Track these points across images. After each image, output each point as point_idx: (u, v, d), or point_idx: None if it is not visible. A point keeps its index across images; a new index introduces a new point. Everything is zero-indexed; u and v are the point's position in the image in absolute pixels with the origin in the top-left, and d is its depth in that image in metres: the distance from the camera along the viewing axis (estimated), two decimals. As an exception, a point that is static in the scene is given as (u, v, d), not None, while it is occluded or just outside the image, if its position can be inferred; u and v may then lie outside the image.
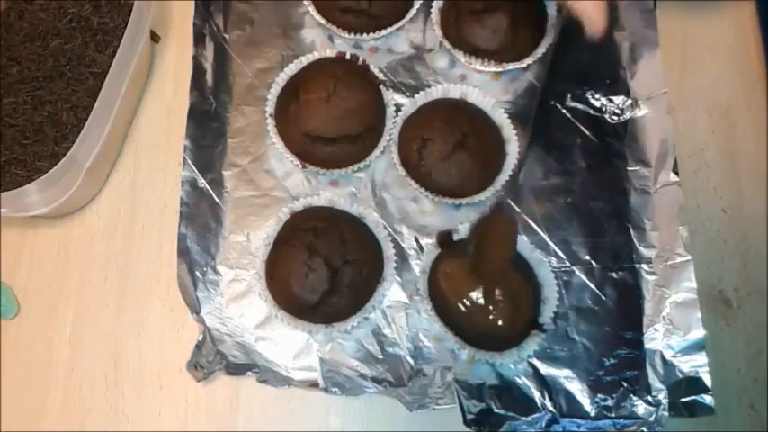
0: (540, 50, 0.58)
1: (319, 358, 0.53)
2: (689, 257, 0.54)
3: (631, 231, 0.55)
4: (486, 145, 0.56)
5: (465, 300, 0.51)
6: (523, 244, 0.54)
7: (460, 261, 0.52)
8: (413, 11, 0.60)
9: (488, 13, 0.58)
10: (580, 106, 0.59)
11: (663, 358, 0.52)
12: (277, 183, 0.58)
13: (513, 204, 0.56)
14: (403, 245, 0.56)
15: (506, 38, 0.58)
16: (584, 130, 0.58)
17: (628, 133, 0.58)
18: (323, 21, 0.59)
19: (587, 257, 0.55)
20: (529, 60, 0.58)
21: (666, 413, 0.50)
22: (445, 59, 0.61)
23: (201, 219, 0.56)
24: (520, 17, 0.58)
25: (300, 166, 0.56)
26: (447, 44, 0.59)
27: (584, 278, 0.54)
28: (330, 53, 0.59)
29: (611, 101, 0.59)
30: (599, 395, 0.51)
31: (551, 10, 0.59)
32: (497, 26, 0.58)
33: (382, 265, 0.54)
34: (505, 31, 0.58)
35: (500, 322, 0.50)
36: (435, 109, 0.57)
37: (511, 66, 0.58)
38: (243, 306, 0.55)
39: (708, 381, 0.51)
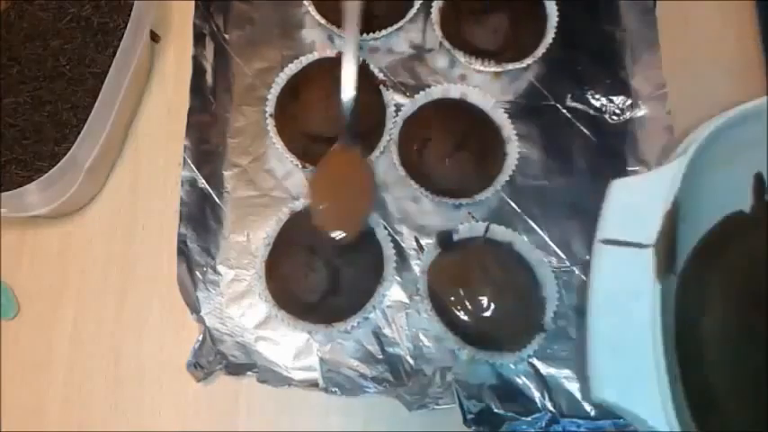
0: (540, 50, 0.58)
1: (319, 358, 0.53)
2: (689, 257, 0.54)
3: (631, 231, 0.55)
4: (486, 145, 0.56)
5: (463, 299, 0.51)
6: (523, 244, 0.54)
7: (459, 261, 0.52)
8: (413, 11, 0.60)
9: (488, 13, 0.58)
10: (580, 106, 0.59)
11: (663, 358, 0.52)
12: (277, 183, 0.58)
13: (513, 204, 0.56)
14: (403, 245, 0.56)
15: (506, 38, 0.58)
16: (584, 130, 0.58)
17: (628, 133, 0.58)
18: (323, 21, 0.59)
19: (587, 257, 0.55)
20: (529, 60, 0.58)
21: (666, 413, 0.50)
22: (445, 59, 0.61)
23: (201, 219, 0.56)
24: (520, 17, 0.58)
25: (300, 166, 0.56)
26: (447, 44, 0.59)
27: (585, 278, 0.54)
28: (330, 53, 0.59)
29: (611, 101, 0.59)
30: (599, 395, 0.51)
31: (551, 10, 0.59)
32: (497, 26, 0.58)
33: (382, 265, 0.54)
34: (505, 31, 0.58)
35: (498, 321, 0.50)
36: (435, 109, 0.57)
37: (511, 66, 0.58)
38: (243, 306, 0.55)
39: (708, 381, 0.51)
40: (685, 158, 0.40)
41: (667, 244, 0.39)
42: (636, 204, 0.40)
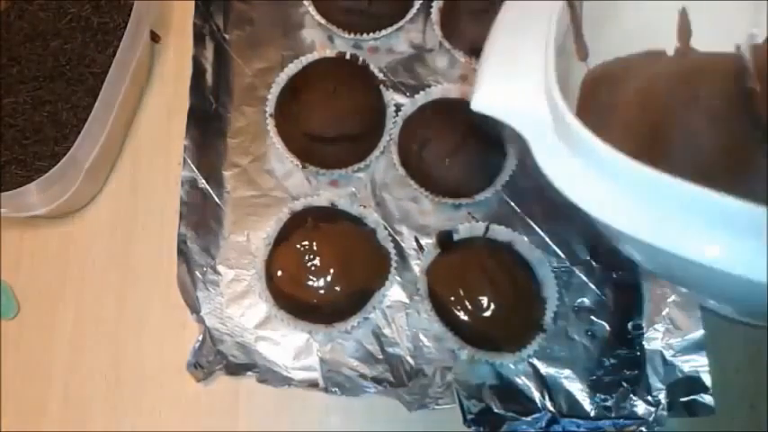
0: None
1: (319, 358, 0.53)
2: (689, 257, 0.54)
3: (631, 231, 0.55)
4: (486, 145, 0.56)
5: (463, 299, 0.51)
6: (523, 243, 0.54)
7: (459, 261, 0.52)
8: (413, 11, 0.60)
9: (488, 13, 0.57)
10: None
11: (663, 358, 0.52)
12: (277, 183, 0.58)
13: (513, 204, 0.56)
14: (403, 245, 0.56)
15: None
16: (584, 130, 0.58)
17: (628, 133, 0.58)
18: (323, 21, 0.59)
19: (587, 257, 0.55)
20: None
21: (666, 413, 0.50)
22: (445, 59, 0.60)
23: (201, 219, 0.56)
24: None
25: (300, 166, 0.56)
26: (447, 44, 0.59)
27: (584, 278, 0.54)
28: (330, 53, 0.59)
29: (611, 101, 0.59)
30: (599, 395, 0.51)
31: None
32: None
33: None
34: None
35: (498, 321, 0.50)
36: (435, 109, 0.57)
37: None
38: (243, 306, 0.55)
39: (708, 380, 0.51)
40: None
41: None
42: None
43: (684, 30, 0.45)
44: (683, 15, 0.45)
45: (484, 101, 0.37)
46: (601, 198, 0.32)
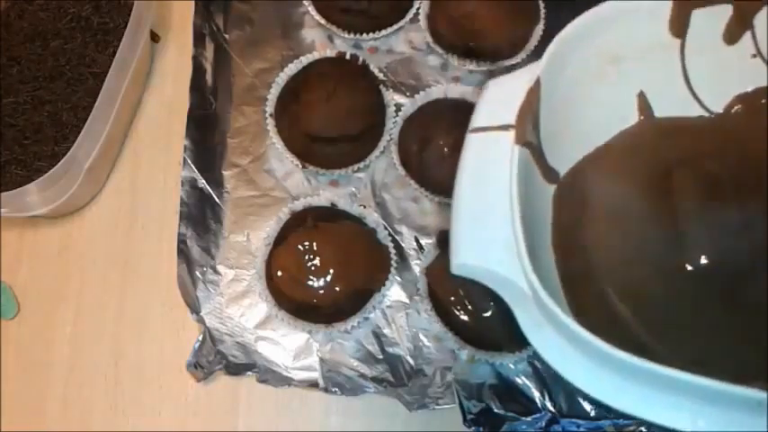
0: (533, 43, 0.58)
1: (319, 358, 0.53)
2: (689, 257, 0.54)
3: (631, 231, 0.55)
4: (486, 145, 0.56)
5: (463, 299, 0.51)
6: (523, 244, 0.54)
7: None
8: (413, 11, 0.60)
9: (470, 18, 0.57)
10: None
11: (663, 358, 0.52)
12: (277, 183, 0.58)
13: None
14: (403, 245, 0.56)
15: (497, 36, 0.57)
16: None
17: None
18: (323, 21, 0.59)
19: (587, 257, 0.55)
20: (522, 55, 0.58)
21: (666, 413, 0.50)
22: (441, 61, 0.60)
23: (201, 219, 0.56)
24: (506, 13, 0.57)
25: (300, 166, 0.56)
26: (438, 48, 0.58)
27: (585, 278, 0.54)
28: (330, 53, 0.59)
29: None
30: (599, 395, 0.51)
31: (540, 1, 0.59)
32: (485, 25, 0.57)
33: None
34: (494, 29, 0.57)
35: (498, 322, 0.50)
36: (435, 109, 0.57)
37: (506, 63, 0.58)
38: (243, 306, 0.55)
39: (708, 381, 0.51)
40: (555, 42, 0.41)
41: (530, 116, 0.39)
42: (505, 96, 0.41)
43: (645, 109, 0.46)
44: (642, 97, 0.45)
45: (462, 268, 0.39)
46: (581, 372, 0.36)
